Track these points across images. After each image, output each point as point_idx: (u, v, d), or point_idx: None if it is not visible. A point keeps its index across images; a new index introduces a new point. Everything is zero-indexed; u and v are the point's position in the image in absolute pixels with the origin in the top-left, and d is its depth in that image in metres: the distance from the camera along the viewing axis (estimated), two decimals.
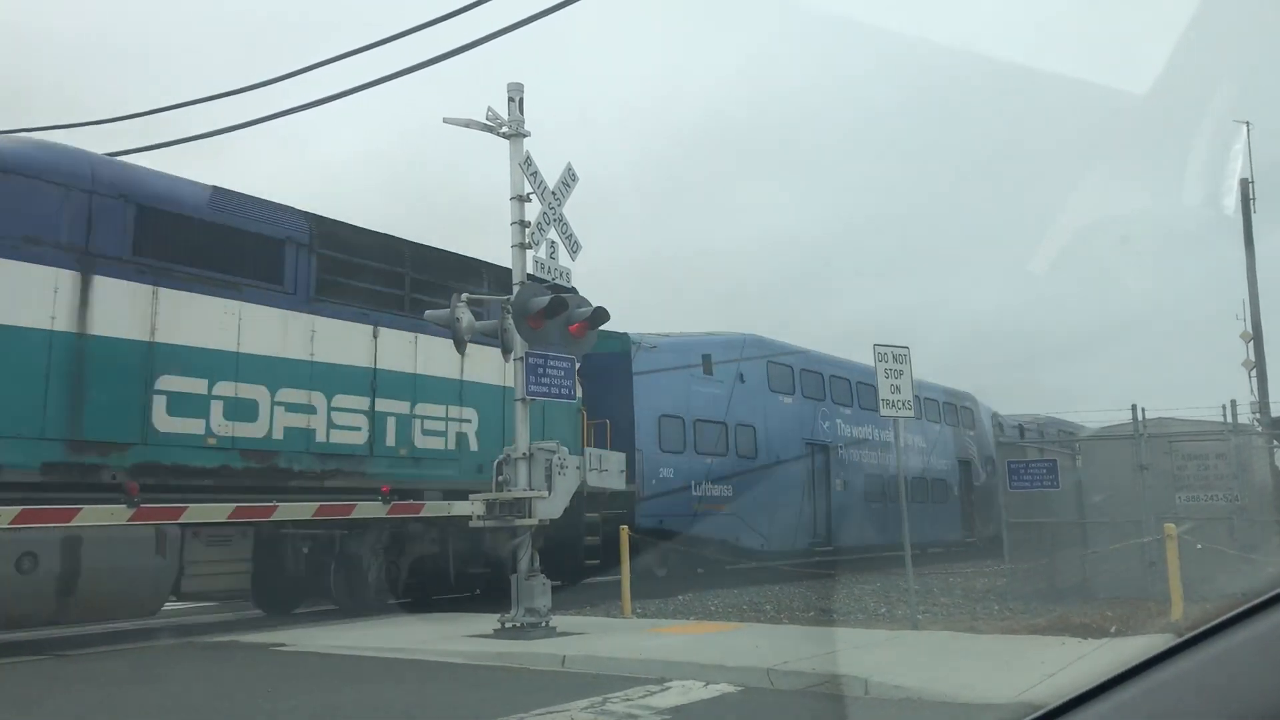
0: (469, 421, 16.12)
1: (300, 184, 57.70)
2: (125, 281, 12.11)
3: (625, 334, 20.15)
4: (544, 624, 11.65)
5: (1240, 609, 1.60)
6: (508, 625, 11.61)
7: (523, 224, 12.32)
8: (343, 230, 14.88)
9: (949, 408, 32.66)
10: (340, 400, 14.24)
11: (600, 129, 70.07)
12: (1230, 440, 15.55)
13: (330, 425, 14.06)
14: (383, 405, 14.82)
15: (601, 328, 13.17)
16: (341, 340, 14.37)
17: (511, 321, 12.04)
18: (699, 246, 72.64)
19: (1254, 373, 24.86)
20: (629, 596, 14.24)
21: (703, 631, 12.08)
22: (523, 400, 12.19)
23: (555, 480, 11.97)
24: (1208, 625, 1.61)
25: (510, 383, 13.34)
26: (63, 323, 11.49)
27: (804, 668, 8.72)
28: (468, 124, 12.41)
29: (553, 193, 12.58)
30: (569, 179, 12.82)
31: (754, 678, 8.62)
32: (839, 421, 26.26)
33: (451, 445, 15.79)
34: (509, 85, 12.62)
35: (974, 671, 8.72)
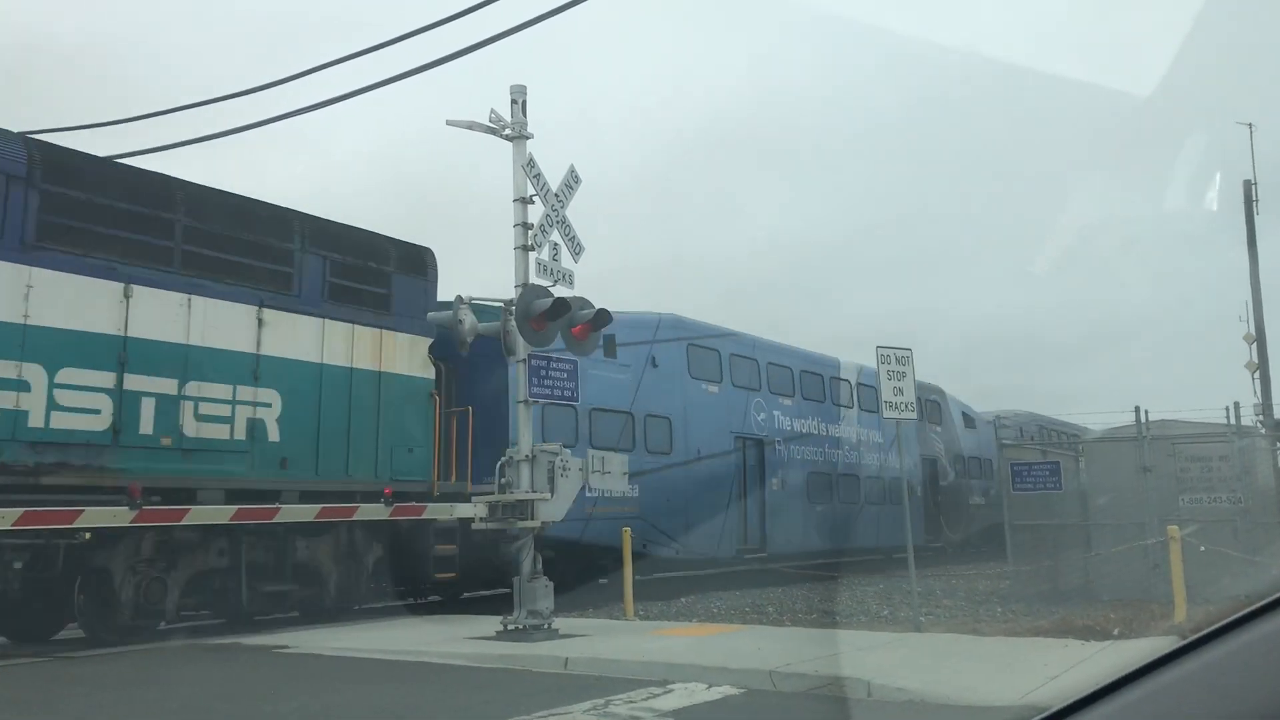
0: (267, 406, 13.40)
1: (302, 185, 57.78)
2: None
3: (500, 308, 18.41)
4: (546, 626, 11.65)
5: (1245, 611, 1.59)
6: (510, 627, 11.61)
7: (525, 226, 12.33)
8: (80, 161, 12.25)
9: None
10: (67, 375, 11.46)
11: (603, 131, 70.15)
12: (1234, 442, 15.53)
13: (51, 406, 11.30)
14: (135, 383, 12.04)
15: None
16: (73, 299, 11.60)
17: (514, 323, 12.05)
18: (702, 248, 72.68)
19: (1257, 374, 24.82)
20: (631, 598, 14.25)
21: (705, 633, 12.07)
22: (525, 402, 12.20)
23: (558, 482, 11.97)
24: (1212, 627, 1.61)
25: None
26: None
27: (807, 670, 8.71)
28: (471, 126, 12.42)
29: (555, 195, 12.58)
30: (571, 181, 12.83)
31: (757, 680, 8.61)
32: (777, 414, 23.64)
33: (240, 434, 13.06)
34: (512, 87, 12.63)
35: (977, 674, 8.71)
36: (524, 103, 12.57)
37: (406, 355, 15.29)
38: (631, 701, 7.93)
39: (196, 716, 8.18)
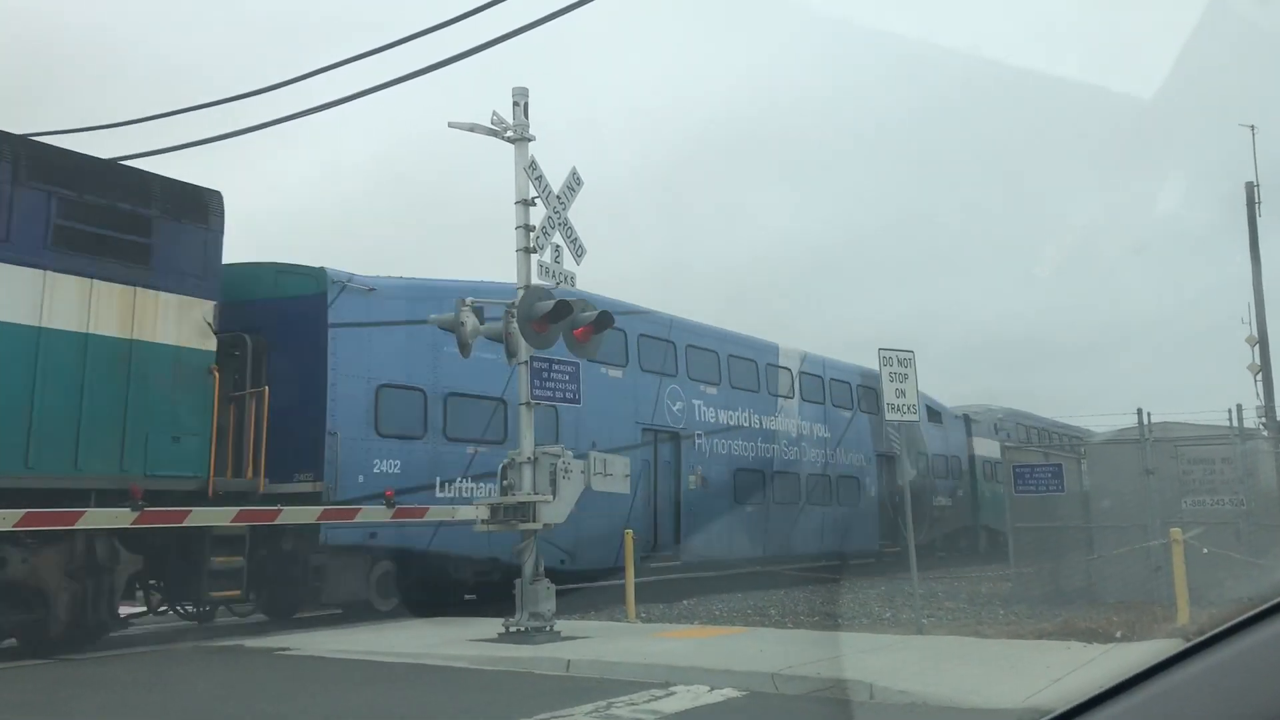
0: None
1: (302, 187, 57.83)
2: None
3: (322, 269, 14.63)
4: (548, 628, 11.65)
5: (1248, 614, 1.59)
6: (512, 630, 11.61)
7: (527, 228, 12.34)
8: None
9: (865, 392, 27.15)
10: None
11: (606, 134, 70.17)
12: (1237, 445, 15.51)
13: None
14: None
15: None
16: None
17: (516, 325, 12.05)
18: (706, 251, 72.67)
19: (1260, 376, 24.80)
20: (633, 600, 14.24)
21: (707, 636, 12.07)
22: (527, 404, 12.20)
23: (560, 484, 11.97)
24: (1216, 630, 1.60)
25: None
26: None
27: (809, 672, 8.71)
28: (472, 128, 12.43)
29: (557, 197, 12.59)
30: (573, 183, 12.83)
31: (759, 682, 8.61)
32: (698, 403, 20.85)
33: None
34: (514, 90, 12.65)
35: (979, 676, 8.70)
36: (526, 105, 12.58)
37: (174, 321, 12.45)
38: (633, 704, 7.93)
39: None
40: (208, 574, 12.54)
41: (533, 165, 12.39)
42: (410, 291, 15.86)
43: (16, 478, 10.91)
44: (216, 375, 12.82)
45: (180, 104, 13.47)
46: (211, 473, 12.69)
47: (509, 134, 12.45)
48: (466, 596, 16.51)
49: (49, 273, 11.38)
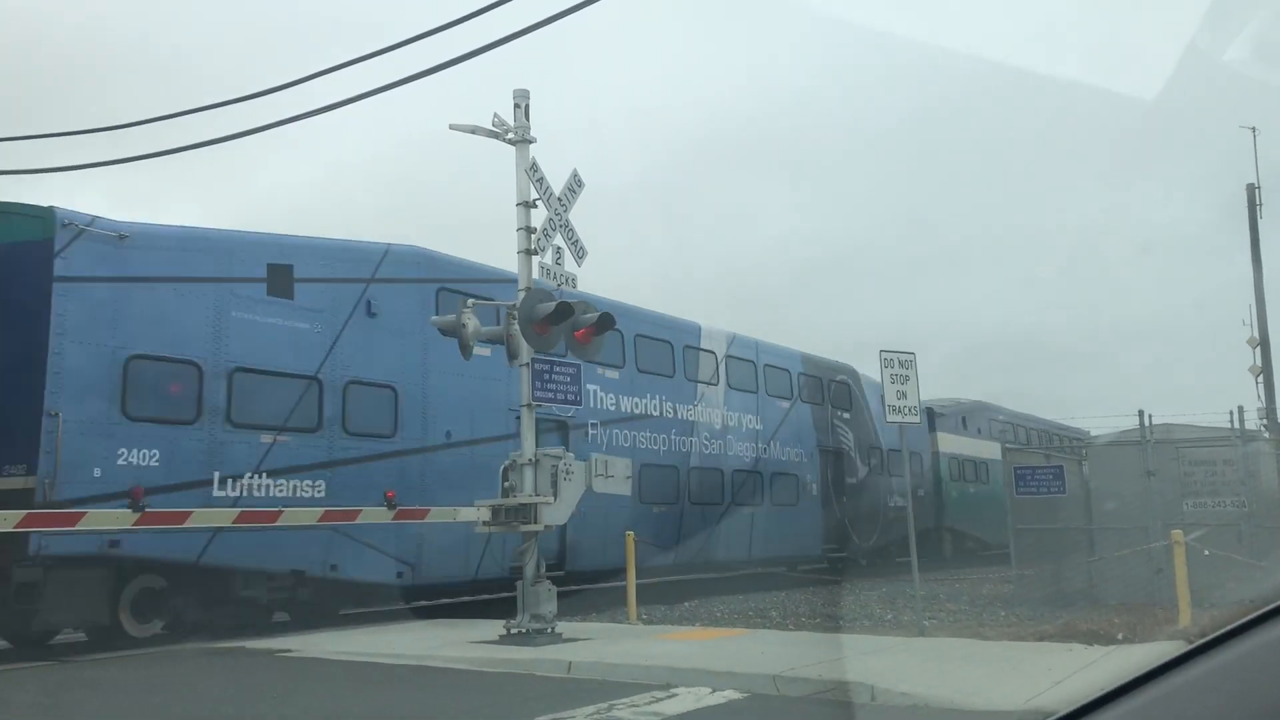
0: None
1: (304, 188, 57.88)
2: None
3: (50, 209, 11.94)
4: (550, 630, 11.65)
5: (1250, 616, 1.59)
6: (513, 631, 11.61)
7: (529, 230, 12.35)
8: None
9: (808, 381, 25.17)
10: None
11: (608, 136, 70.20)
12: (1238, 446, 15.51)
13: None
14: None
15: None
16: None
17: (518, 327, 12.06)
18: (709, 253, 72.69)
19: (1261, 378, 24.78)
20: (635, 602, 14.23)
21: (709, 637, 12.06)
22: (528, 406, 12.21)
23: (561, 486, 11.98)
24: (1218, 632, 1.60)
25: None
26: None
27: (810, 674, 8.70)
28: (474, 130, 12.45)
29: (559, 198, 12.60)
30: (575, 185, 12.84)
31: (760, 684, 8.61)
32: (594, 388, 18.20)
33: None
34: (515, 91, 12.66)
35: (981, 678, 8.69)
36: (527, 107, 12.60)
37: None
38: (635, 706, 7.93)
39: None
40: None
41: (534, 167, 12.40)
42: (184, 242, 12.99)
43: None
44: None
45: (181, 106, 13.48)
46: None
47: (510, 136, 12.47)
48: (277, 617, 14.12)
49: None
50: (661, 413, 19.87)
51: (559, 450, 12.49)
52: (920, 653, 10.29)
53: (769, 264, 75.65)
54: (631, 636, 12.19)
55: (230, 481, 12.77)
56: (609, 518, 16.93)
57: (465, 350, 12.67)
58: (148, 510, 11.85)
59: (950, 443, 31.13)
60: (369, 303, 14.71)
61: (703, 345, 21.72)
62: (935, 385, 30.53)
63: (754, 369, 23.20)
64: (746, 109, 73.46)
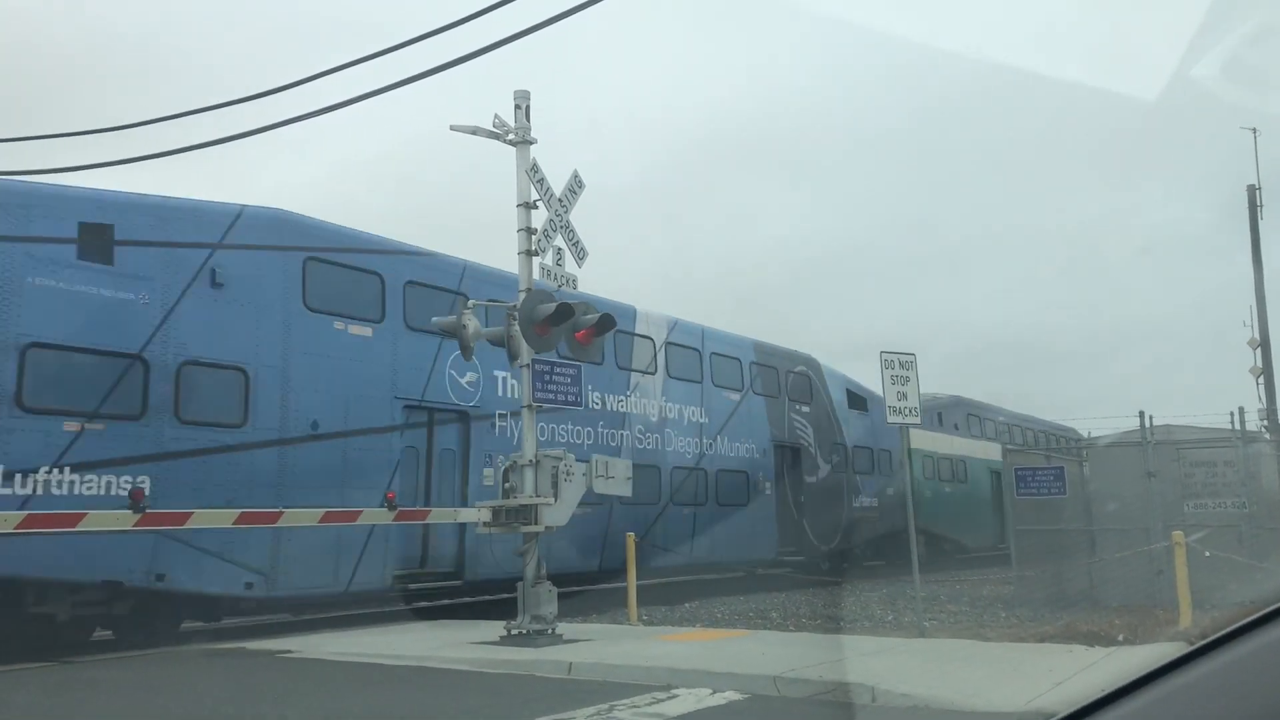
0: None
1: (306, 190, 57.88)
2: None
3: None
4: (550, 631, 11.66)
5: (1251, 618, 1.59)
6: (514, 632, 11.61)
7: (529, 231, 12.35)
8: None
9: (762, 371, 23.42)
10: None
11: (610, 137, 70.23)
12: (1239, 447, 15.51)
13: None
14: None
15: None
16: None
17: (519, 328, 12.07)
18: (711, 254, 72.70)
19: (1261, 379, 24.78)
20: (635, 603, 14.23)
21: (709, 639, 12.06)
22: (529, 407, 12.21)
23: (562, 487, 11.99)
24: (1219, 634, 1.61)
25: None
26: None
27: (811, 675, 8.70)
28: (474, 131, 12.46)
29: (559, 199, 12.61)
30: (575, 186, 12.85)
31: (761, 685, 8.61)
32: (502, 375, 16.31)
33: None
34: (515, 93, 12.67)
35: (982, 679, 8.69)
36: (527, 108, 12.60)
37: None
38: (635, 707, 7.93)
39: None
40: None
41: (534, 168, 12.41)
42: None
43: None
44: None
45: (183, 106, 13.44)
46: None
47: (510, 137, 12.48)
48: (98, 634, 12.74)
49: None
50: (588, 403, 17.55)
51: (559, 451, 12.50)
52: (921, 654, 10.29)
53: (769, 264, 75.73)
54: (632, 637, 12.19)
55: (23, 477, 10.95)
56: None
57: (466, 351, 12.67)
58: (148, 511, 11.73)
59: (925, 439, 29.19)
60: (214, 271, 12.87)
61: (638, 330, 20.06)
62: (936, 386, 30.15)
63: (698, 357, 21.67)
64: (747, 109, 73.50)
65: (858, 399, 27.47)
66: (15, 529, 10.64)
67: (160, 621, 12.58)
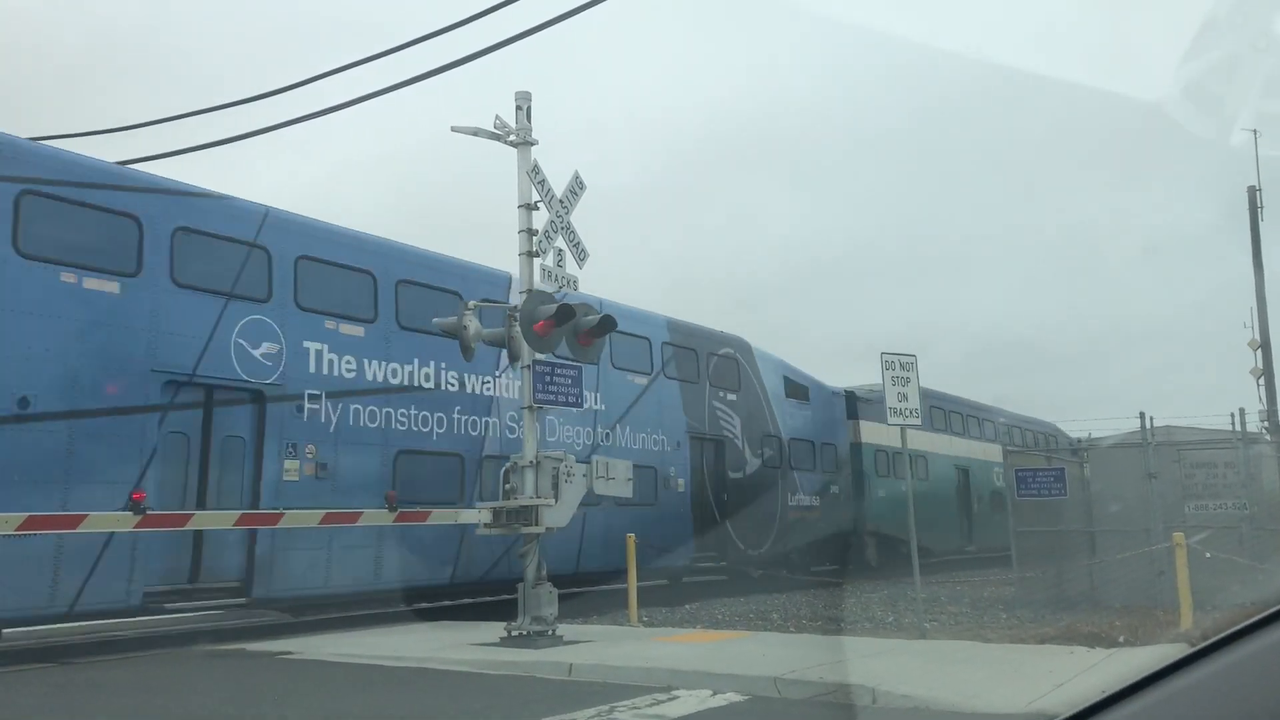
0: None
1: (306, 190, 57.90)
2: None
3: None
4: (551, 632, 11.65)
5: (1252, 619, 1.59)
6: (514, 633, 11.61)
7: (530, 232, 12.35)
8: None
9: (677, 353, 20.33)
10: None
11: (611, 138, 70.26)
12: (1239, 449, 15.50)
13: None
14: None
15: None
16: None
17: (519, 329, 12.07)
18: (712, 255, 72.72)
19: (1262, 381, 24.77)
20: (636, 605, 14.22)
21: (710, 640, 12.05)
22: (530, 408, 12.21)
23: (562, 488, 11.98)
24: (1220, 635, 1.60)
25: None
26: None
27: (811, 677, 8.70)
28: (475, 132, 12.46)
29: (560, 201, 12.61)
30: (576, 187, 12.85)
31: (761, 686, 8.60)
32: (317, 347, 13.74)
33: None
34: (516, 94, 12.67)
35: (983, 681, 8.68)
36: (529, 109, 12.60)
37: None
38: (636, 708, 7.92)
39: None
40: None
41: (535, 169, 12.40)
42: None
43: None
44: None
45: (186, 107, 13.46)
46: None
47: (511, 138, 12.48)
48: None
49: None
50: (439, 384, 15.26)
51: (560, 452, 12.49)
52: (921, 655, 10.28)
53: (770, 265, 75.75)
54: (632, 639, 12.18)
55: None
56: (351, 528, 13.66)
57: (467, 352, 12.66)
58: (149, 513, 11.70)
59: (877, 432, 26.02)
60: None
61: (513, 301, 15.05)
62: (937, 387, 29.73)
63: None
64: (747, 110, 73.53)
65: (797, 387, 24.55)
66: (16, 530, 10.51)
67: None
